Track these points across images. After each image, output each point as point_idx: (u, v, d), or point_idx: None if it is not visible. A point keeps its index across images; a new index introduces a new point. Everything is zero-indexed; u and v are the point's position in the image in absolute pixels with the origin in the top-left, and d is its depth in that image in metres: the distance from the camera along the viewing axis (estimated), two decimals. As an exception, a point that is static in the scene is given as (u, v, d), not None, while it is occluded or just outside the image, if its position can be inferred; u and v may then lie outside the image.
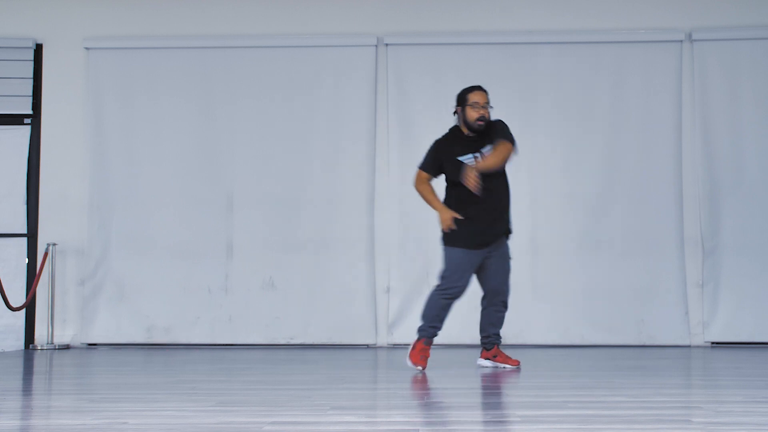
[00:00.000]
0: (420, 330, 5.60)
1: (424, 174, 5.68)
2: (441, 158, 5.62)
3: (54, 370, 5.98)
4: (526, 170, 7.74)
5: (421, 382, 4.90)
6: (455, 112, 5.69)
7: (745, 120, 7.87)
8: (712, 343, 7.76)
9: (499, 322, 5.73)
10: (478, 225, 5.50)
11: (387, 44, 8.04)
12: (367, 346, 7.82)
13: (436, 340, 7.79)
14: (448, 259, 5.55)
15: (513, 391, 4.42)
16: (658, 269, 7.78)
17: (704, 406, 3.72)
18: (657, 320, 7.73)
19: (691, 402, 3.93)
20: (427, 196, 5.67)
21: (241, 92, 8.08)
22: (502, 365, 5.68)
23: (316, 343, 7.86)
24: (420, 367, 5.50)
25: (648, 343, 7.71)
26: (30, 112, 8.19)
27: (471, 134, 5.59)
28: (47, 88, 8.19)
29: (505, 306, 5.71)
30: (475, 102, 5.51)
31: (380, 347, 7.80)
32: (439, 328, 5.63)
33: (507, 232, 5.67)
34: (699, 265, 7.80)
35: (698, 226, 7.83)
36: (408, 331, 7.81)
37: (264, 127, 8.05)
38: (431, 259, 7.84)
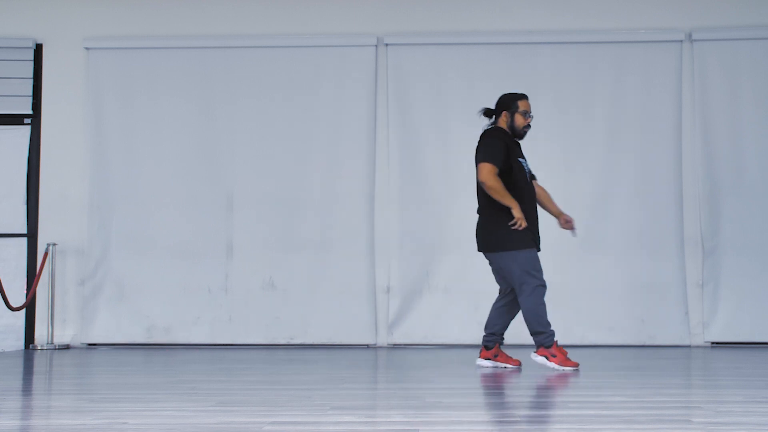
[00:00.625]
0: (547, 338, 5.42)
1: (496, 168, 5.43)
2: (508, 155, 5.52)
3: (54, 370, 5.98)
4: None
5: (422, 382, 4.90)
6: (493, 115, 5.68)
7: (745, 120, 7.87)
8: (712, 343, 7.76)
9: (509, 323, 5.73)
10: (536, 225, 5.58)
11: (387, 44, 8.04)
12: (367, 346, 7.82)
13: (437, 340, 7.83)
14: (532, 259, 5.44)
15: (513, 391, 4.42)
16: (658, 269, 7.78)
17: (704, 406, 3.72)
18: (657, 320, 7.73)
19: (691, 402, 3.93)
20: (504, 190, 5.41)
21: (241, 92, 8.08)
22: (503, 365, 5.68)
23: (316, 343, 7.86)
24: (577, 365, 5.42)
25: (648, 343, 7.71)
26: (30, 112, 8.19)
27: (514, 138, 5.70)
28: (47, 88, 8.19)
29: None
30: (525, 111, 5.63)
31: (380, 347, 7.80)
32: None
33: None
34: (699, 265, 7.80)
35: (698, 226, 7.83)
36: (408, 331, 7.82)
37: (264, 127, 8.05)
38: (431, 259, 7.85)
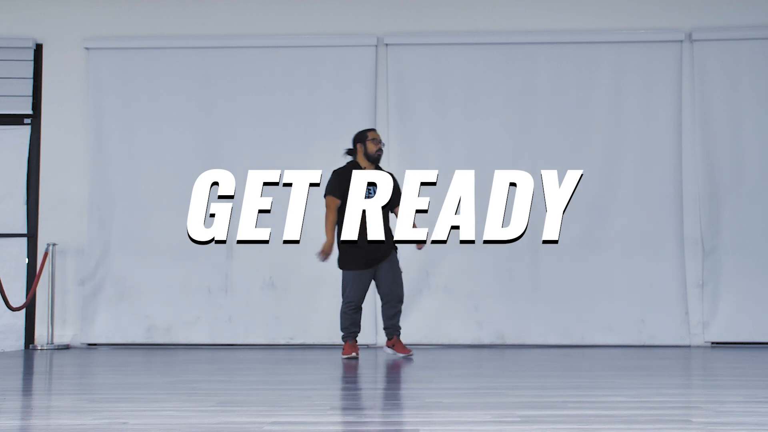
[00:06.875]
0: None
1: (336, 200, 6.64)
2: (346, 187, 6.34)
3: (54, 370, 5.99)
4: (526, 170, 7.72)
5: (422, 382, 4.90)
6: (353, 151, 6.71)
7: (745, 120, 7.87)
8: (712, 343, 7.76)
9: (397, 315, 6.74)
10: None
11: (387, 44, 8.04)
12: (367, 346, 7.82)
13: (437, 340, 7.83)
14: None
15: (513, 391, 4.42)
16: (658, 269, 7.77)
17: (704, 406, 3.72)
18: (657, 320, 7.73)
19: (691, 402, 3.93)
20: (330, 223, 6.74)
21: (241, 92, 8.08)
22: (399, 354, 6.64)
23: (316, 343, 7.86)
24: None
25: (648, 343, 7.71)
26: (30, 112, 8.18)
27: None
28: (47, 88, 8.18)
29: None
30: (374, 138, 6.65)
31: (380, 347, 7.79)
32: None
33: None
34: (699, 265, 7.80)
35: (698, 226, 7.82)
36: (408, 331, 7.82)
37: (264, 127, 8.04)
38: (431, 259, 7.85)
